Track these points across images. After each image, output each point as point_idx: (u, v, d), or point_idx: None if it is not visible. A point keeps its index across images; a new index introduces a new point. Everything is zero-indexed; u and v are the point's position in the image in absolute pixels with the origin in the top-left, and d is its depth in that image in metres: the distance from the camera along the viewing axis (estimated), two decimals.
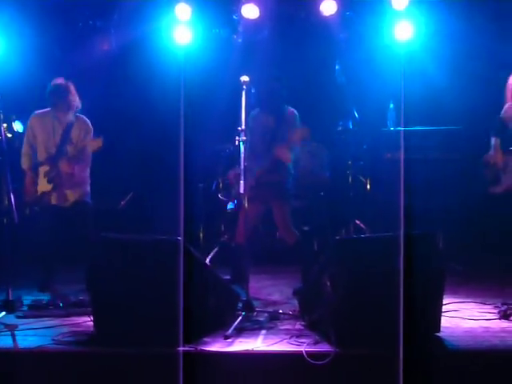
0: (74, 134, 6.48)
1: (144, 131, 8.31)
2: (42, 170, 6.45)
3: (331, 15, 7.87)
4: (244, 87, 5.73)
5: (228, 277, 6.58)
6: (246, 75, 5.75)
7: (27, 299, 6.03)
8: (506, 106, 6.53)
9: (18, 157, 6.50)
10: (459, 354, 4.61)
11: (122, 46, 8.39)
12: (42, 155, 6.48)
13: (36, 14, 8.06)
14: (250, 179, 6.29)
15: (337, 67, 8.09)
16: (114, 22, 8.41)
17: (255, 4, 7.82)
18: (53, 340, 4.86)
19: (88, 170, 6.62)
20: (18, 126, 7.38)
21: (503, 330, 5.09)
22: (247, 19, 7.97)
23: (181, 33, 7.87)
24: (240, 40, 8.33)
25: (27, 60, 7.95)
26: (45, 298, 6.10)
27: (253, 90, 6.24)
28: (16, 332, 5.12)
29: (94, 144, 6.36)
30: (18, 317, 5.59)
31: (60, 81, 6.50)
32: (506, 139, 6.47)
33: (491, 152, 6.57)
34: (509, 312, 5.47)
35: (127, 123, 7.73)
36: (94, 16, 8.46)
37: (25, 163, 6.54)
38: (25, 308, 5.85)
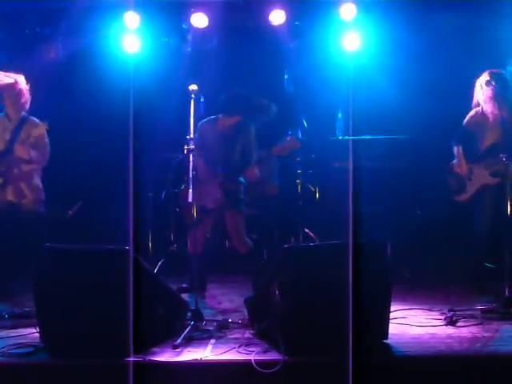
0: (24, 132, 6.44)
1: (92, 140, 8.23)
2: None
3: (280, 25, 7.91)
4: (193, 96, 5.73)
5: (185, 285, 6.58)
6: (195, 84, 5.75)
7: None
8: (471, 113, 6.62)
9: None
10: (406, 360, 4.66)
11: (69, 53, 8.30)
12: None
13: None
14: (215, 188, 6.38)
15: (286, 76, 8.13)
16: (61, 30, 8.31)
17: (204, 13, 7.82)
18: None
19: (40, 176, 6.57)
20: None
21: (449, 336, 5.16)
22: (196, 28, 7.96)
23: (129, 41, 7.83)
24: (189, 49, 8.31)
25: None
26: None
27: (202, 99, 6.25)
28: None
29: (38, 129, 6.36)
30: None
31: (12, 77, 6.42)
32: (469, 147, 6.58)
33: (455, 161, 6.67)
34: (455, 318, 5.56)
35: (75, 132, 7.65)
36: (42, 23, 8.34)
37: None
38: None
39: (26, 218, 6.43)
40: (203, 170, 6.49)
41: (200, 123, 6.68)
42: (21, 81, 6.46)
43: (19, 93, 6.46)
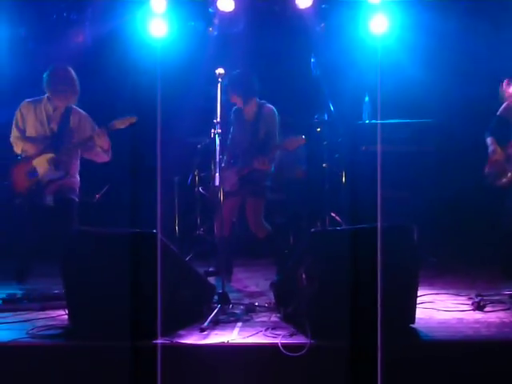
0: (73, 121, 6.37)
1: None
2: (45, 157, 6.26)
3: (307, 8, 7.87)
4: (219, 80, 5.73)
5: (211, 268, 6.60)
6: (222, 68, 5.75)
7: (2, 293, 5.99)
8: (504, 104, 6.58)
9: None
10: (433, 345, 4.65)
11: (96, 38, 8.33)
12: (37, 143, 6.31)
13: (10, 6, 7.98)
14: (233, 173, 6.39)
15: (312, 60, 8.08)
16: (88, 15, 8.36)
17: None
18: (27, 334, 4.84)
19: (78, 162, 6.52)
20: None
21: (477, 321, 5.14)
22: (223, 12, 7.95)
23: (156, 25, 7.85)
24: (215, 33, 8.31)
25: (2, 52, 7.89)
26: (19, 291, 6.06)
27: (225, 82, 6.25)
28: None
29: (126, 121, 6.22)
30: None
31: (63, 66, 6.34)
32: (503, 136, 6.53)
33: (490, 150, 6.60)
34: (482, 303, 5.53)
35: (103, 116, 7.67)
36: (69, 8, 8.39)
37: (17, 148, 6.38)
38: None
39: (58, 206, 6.36)
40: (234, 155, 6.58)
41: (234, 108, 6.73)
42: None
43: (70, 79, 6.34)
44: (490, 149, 6.62)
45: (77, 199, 6.44)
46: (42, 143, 6.30)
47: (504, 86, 6.55)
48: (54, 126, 6.34)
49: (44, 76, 6.33)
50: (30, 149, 6.31)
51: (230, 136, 6.73)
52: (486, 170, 6.59)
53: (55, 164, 6.27)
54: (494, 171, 6.60)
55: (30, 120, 6.36)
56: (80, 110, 6.47)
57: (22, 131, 6.38)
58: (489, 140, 6.66)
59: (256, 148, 6.49)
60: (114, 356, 4.53)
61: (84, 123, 6.41)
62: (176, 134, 7.77)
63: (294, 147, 6.46)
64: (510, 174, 6.48)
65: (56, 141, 6.31)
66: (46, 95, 6.39)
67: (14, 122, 6.42)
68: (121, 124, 6.21)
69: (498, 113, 6.61)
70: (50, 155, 6.27)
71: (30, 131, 6.36)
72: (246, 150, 6.56)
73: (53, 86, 6.31)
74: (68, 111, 6.38)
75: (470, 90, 7.98)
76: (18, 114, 6.41)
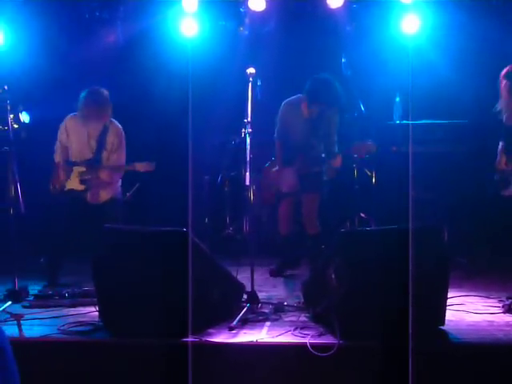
0: (109, 139, 6.55)
1: (151, 123, 8.32)
2: (77, 169, 6.51)
3: (338, 8, 7.85)
4: (250, 79, 5.74)
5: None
6: (253, 67, 5.76)
7: (34, 289, 6.07)
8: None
9: (24, 147, 6.51)
10: (463, 347, 4.62)
11: (128, 38, 8.39)
12: (76, 156, 6.55)
13: (43, 5, 8.06)
14: (292, 173, 6.52)
15: (343, 60, 8.07)
16: (120, 14, 8.42)
17: None
18: (58, 330, 4.90)
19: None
20: (24, 117, 7.39)
21: (507, 324, 5.09)
22: (254, 12, 7.96)
23: (187, 25, 7.87)
24: (246, 32, 8.33)
25: (34, 51, 7.97)
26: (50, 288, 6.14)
27: (259, 83, 6.26)
28: (22, 321, 5.15)
29: (144, 166, 6.47)
30: (24, 306, 5.63)
31: (97, 89, 6.51)
32: (509, 145, 6.42)
33: (498, 157, 6.50)
34: None
35: (134, 115, 7.73)
36: (101, 8, 8.45)
37: (57, 157, 6.63)
38: (31, 298, 5.89)
39: (104, 206, 6.59)
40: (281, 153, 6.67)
41: (283, 103, 6.75)
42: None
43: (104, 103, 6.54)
44: (498, 157, 6.49)
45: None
46: (81, 158, 6.55)
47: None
48: (94, 144, 6.54)
49: (80, 97, 6.50)
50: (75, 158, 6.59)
51: (276, 134, 6.79)
52: (495, 177, 6.48)
53: (82, 178, 6.49)
54: (500, 180, 6.47)
55: (73, 137, 6.57)
56: (117, 125, 6.64)
57: (65, 147, 6.61)
58: (500, 146, 6.53)
59: (320, 148, 6.56)
60: (145, 353, 4.57)
61: (117, 147, 6.58)
62: (207, 134, 7.81)
63: (362, 154, 6.53)
64: None
65: (93, 158, 6.52)
66: None
67: (58, 134, 6.65)
68: (141, 167, 6.48)
69: (503, 119, 6.43)
70: (80, 169, 6.51)
71: (74, 146, 6.56)
72: (308, 150, 6.60)
73: (86, 108, 6.49)
74: (106, 128, 6.56)
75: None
76: (62, 129, 6.63)
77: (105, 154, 6.53)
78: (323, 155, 6.60)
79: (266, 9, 7.91)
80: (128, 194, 7.29)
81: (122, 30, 8.44)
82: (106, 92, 6.51)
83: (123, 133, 6.64)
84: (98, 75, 7.56)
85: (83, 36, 8.30)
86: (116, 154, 6.57)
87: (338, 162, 6.56)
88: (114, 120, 6.64)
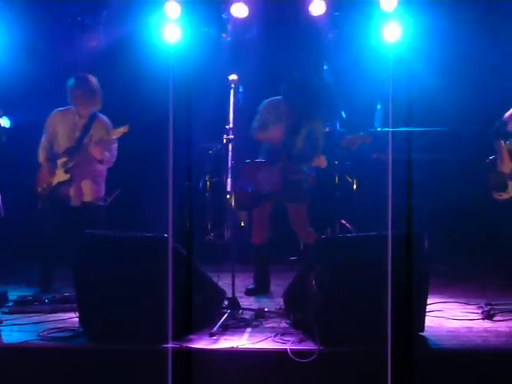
0: (95, 131, 6.49)
1: (132, 128, 8.29)
2: (60, 162, 6.46)
3: (320, 15, 7.87)
4: (232, 86, 5.75)
5: (251, 286, 6.60)
6: (235, 74, 5.76)
7: (13, 295, 6.03)
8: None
9: (5, 151, 6.48)
10: (443, 353, 4.66)
11: (110, 43, 8.36)
12: (61, 148, 6.51)
13: (24, 9, 8.02)
14: (276, 173, 6.31)
15: (325, 67, 8.09)
16: (103, 19, 8.39)
17: (244, 3, 7.81)
18: (38, 336, 4.88)
19: (106, 169, 6.68)
20: (4, 122, 7.35)
21: (486, 330, 5.14)
22: (236, 18, 7.97)
23: (170, 31, 7.85)
24: (229, 39, 8.34)
25: (15, 56, 7.92)
26: (30, 293, 6.10)
27: (240, 89, 6.25)
28: (1, 327, 5.14)
29: (119, 130, 6.35)
30: (4, 312, 5.61)
31: (85, 75, 6.51)
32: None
33: (498, 157, 6.43)
34: (492, 312, 5.52)
35: (115, 120, 7.70)
36: (83, 13, 8.42)
37: (41, 156, 6.59)
38: (10, 304, 5.85)
39: (85, 211, 6.55)
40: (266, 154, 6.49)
41: (264, 101, 6.57)
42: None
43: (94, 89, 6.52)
44: (499, 156, 6.42)
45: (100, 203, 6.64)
46: (64, 148, 6.50)
47: None
48: (78, 134, 6.50)
49: (67, 85, 6.48)
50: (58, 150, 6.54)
51: (254, 130, 6.54)
52: (490, 179, 6.44)
53: (65, 167, 6.42)
54: (494, 180, 6.44)
55: (60, 130, 6.54)
56: (104, 117, 6.61)
57: (50, 144, 6.57)
58: (497, 145, 6.37)
59: (303, 149, 6.40)
60: (125, 359, 4.57)
61: (101, 131, 6.50)
62: (188, 140, 7.80)
63: (357, 145, 6.43)
64: (510, 194, 6.29)
65: (75, 146, 6.47)
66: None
67: (44, 131, 6.63)
68: (117, 133, 6.37)
69: (503, 117, 6.42)
70: (63, 159, 6.44)
71: (60, 141, 6.52)
72: (289, 151, 6.40)
73: (74, 94, 6.47)
74: (92, 119, 6.53)
75: (483, 99, 7.96)
76: (48, 126, 6.61)
77: (87, 142, 6.44)
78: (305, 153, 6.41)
79: (248, 15, 7.91)
80: (109, 199, 7.26)
81: (104, 35, 8.42)
82: (94, 78, 6.50)
83: (111, 127, 6.54)
84: None
85: (65, 41, 8.26)
86: (108, 152, 6.49)
87: (322, 161, 6.39)
88: (102, 115, 6.61)
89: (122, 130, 6.34)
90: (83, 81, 6.47)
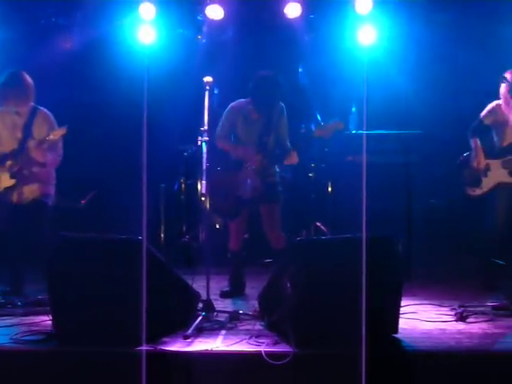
0: (36, 128, 6.28)
1: (106, 129, 8.27)
2: (7, 164, 6.23)
3: (295, 18, 7.89)
4: (207, 87, 5.73)
5: (226, 288, 6.57)
6: (210, 76, 5.75)
7: None
8: (489, 107, 6.48)
9: None
10: (416, 355, 4.67)
11: (85, 44, 8.32)
12: (5, 150, 6.28)
13: None
14: (254, 176, 6.23)
15: (300, 70, 8.12)
16: (77, 20, 8.35)
17: (220, 5, 7.81)
18: (11, 339, 4.82)
19: (54, 170, 6.46)
20: None
21: (459, 332, 5.17)
22: (211, 20, 7.95)
23: (145, 32, 7.82)
24: (204, 40, 8.33)
25: None
26: (1, 296, 6.04)
27: (215, 91, 6.24)
28: None
29: (57, 133, 6.17)
30: None
31: (14, 71, 6.30)
32: (485, 142, 6.47)
33: (472, 154, 6.53)
34: (465, 314, 5.56)
35: (89, 122, 7.69)
36: (57, 13, 8.38)
37: None
38: None
39: (29, 208, 6.29)
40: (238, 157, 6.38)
41: (230, 105, 6.47)
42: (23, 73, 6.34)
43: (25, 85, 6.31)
44: (473, 153, 6.52)
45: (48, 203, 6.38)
46: (8, 150, 6.27)
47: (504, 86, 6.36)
48: (19, 135, 6.29)
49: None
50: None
51: (217, 135, 6.41)
52: (465, 176, 6.51)
53: (11, 171, 6.22)
54: (468, 176, 6.52)
55: (1, 132, 6.33)
56: (45, 110, 6.39)
57: None
58: (472, 142, 6.53)
59: (274, 148, 6.33)
60: (99, 362, 4.53)
61: (43, 126, 6.31)
62: (163, 142, 7.78)
63: (329, 135, 6.31)
64: (484, 190, 6.40)
65: (18, 148, 6.27)
66: None
67: None
68: (56, 135, 6.17)
69: (480, 115, 6.51)
70: (9, 162, 6.25)
71: (4, 144, 6.30)
72: (261, 151, 6.29)
73: (3, 91, 6.27)
74: (32, 115, 6.31)
75: (458, 102, 8.03)
76: None
77: (31, 143, 6.22)
78: (277, 152, 6.36)
79: (223, 17, 7.91)
80: (83, 201, 7.23)
81: (78, 37, 8.37)
82: (25, 74, 6.29)
83: (53, 122, 6.34)
84: (53, 81, 7.48)
85: (39, 41, 8.19)
86: (51, 153, 6.28)
87: (293, 158, 6.31)
88: (42, 108, 6.37)
89: (61, 131, 6.16)
90: (12, 77, 6.26)
